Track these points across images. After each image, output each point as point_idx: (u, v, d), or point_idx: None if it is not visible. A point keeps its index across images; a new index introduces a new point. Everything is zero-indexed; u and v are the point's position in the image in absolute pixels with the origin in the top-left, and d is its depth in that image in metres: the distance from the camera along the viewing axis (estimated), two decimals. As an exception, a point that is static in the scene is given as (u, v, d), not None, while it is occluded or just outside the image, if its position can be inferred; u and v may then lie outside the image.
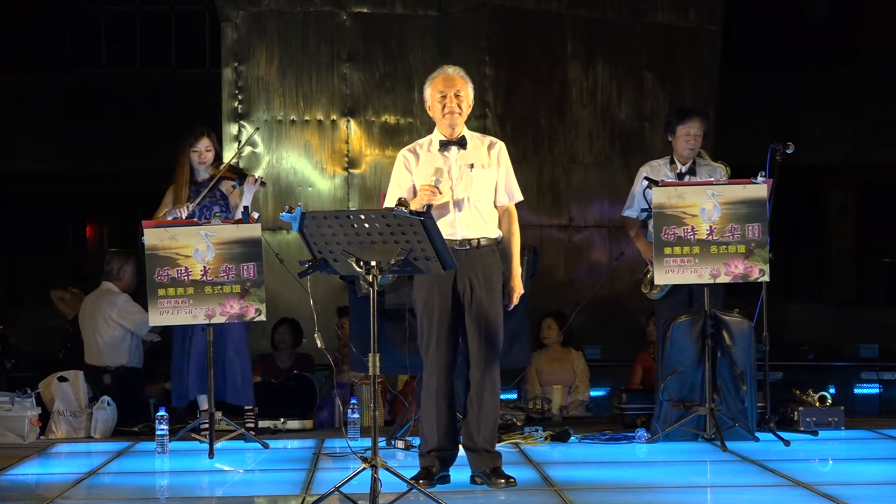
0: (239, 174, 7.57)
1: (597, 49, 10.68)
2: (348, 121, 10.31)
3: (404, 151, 5.84)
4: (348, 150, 10.31)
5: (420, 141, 5.90)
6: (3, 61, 15.66)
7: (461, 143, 5.74)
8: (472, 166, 5.72)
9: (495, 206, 5.81)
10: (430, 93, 5.77)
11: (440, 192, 5.61)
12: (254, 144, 10.11)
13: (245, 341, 7.54)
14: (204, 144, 7.51)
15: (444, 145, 5.75)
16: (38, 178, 16.95)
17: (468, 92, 5.76)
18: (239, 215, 7.28)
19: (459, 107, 5.73)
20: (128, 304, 8.31)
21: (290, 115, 10.27)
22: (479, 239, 5.70)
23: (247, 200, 7.40)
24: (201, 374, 7.27)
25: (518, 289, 5.81)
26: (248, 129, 10.14)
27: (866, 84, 15.91)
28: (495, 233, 5.78)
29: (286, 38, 10.31)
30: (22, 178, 16.49)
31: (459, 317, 5.68)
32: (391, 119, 10.23)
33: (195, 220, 7.21)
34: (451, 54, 10.20)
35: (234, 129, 10.22)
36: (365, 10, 10.35)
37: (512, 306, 5.84)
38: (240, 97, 10.26)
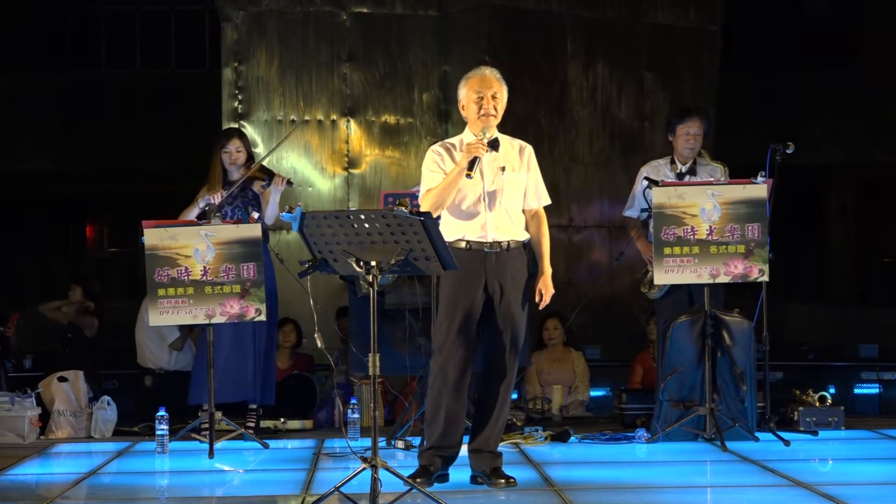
0: (268, 174, 7.60)
1: (597, 49, 10.67)
2: (348, 121, 10.30)
3: (436, 148, 5.77)
4: (348, 150, 10.30)
5: (450, 140, 5.85)
6: (3, 61, 15.64)
7: (494, 145, 5.67)
8: (503, 169, 5.69)
9: (523, 210, 5.78)
10: (466, 93, 5.71)
11: (487, 149, 5.57)
12: (254, 144, 10.10)
13: (273, 340, 7.61)
14: (235, 145, 7.57)
15: None
16: (38, 178, 16.94)
17: (504, 94, 5.72)
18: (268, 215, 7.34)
19: (495, 108, 5.69)
20: None
21: (290, 115, 10.27)
22: (508, 241, 5.67)
23: (275, 200, 7.44)
24: (226, 374, 7.31)
25: (551, 289, 5.80)
26: (249, 129, 10.13)
27: (866, 84, 15.88)
28: (523, 235, 5.76)
29: (286, 38, 10.30)
30: (22, 178, 16.47)
31: (486, 318, 5.65)
32: (391, 119, 10.20)
33: (229, 218, 7.24)
34: (451, 54, 10.20)
35: (234, 128, 10.23)
36: (365, 10, 10.34)
37: (543, 307, 5.83)
38: (240, 97, 10.25)
